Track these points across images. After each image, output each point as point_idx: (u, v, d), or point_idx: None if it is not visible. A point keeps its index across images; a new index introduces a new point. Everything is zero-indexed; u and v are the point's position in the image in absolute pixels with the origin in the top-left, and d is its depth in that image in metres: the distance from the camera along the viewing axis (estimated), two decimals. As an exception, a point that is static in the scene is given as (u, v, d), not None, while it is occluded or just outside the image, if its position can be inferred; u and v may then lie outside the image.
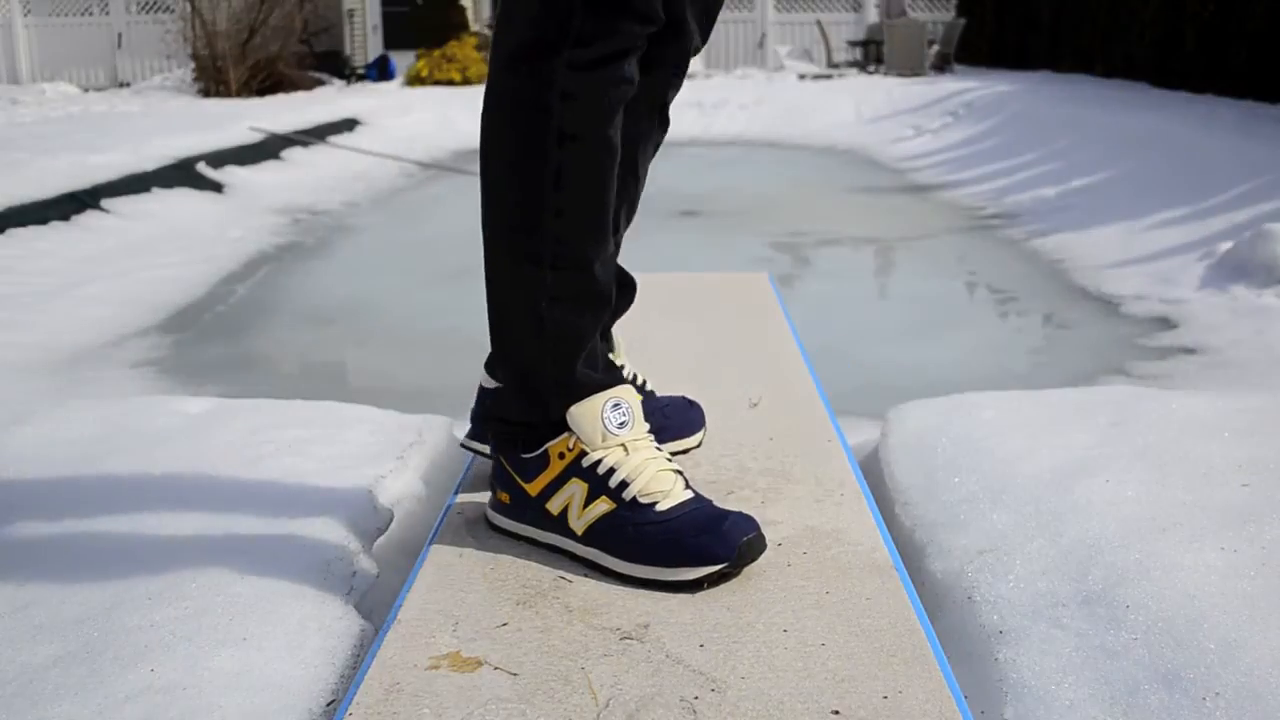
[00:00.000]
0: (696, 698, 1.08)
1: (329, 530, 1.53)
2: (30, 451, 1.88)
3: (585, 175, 1.29)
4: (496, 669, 1.13)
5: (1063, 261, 4.90)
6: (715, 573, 1.28)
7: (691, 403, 1.75)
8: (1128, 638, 1.23)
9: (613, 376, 1.40)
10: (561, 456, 1.37)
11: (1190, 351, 3.47)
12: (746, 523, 1.31)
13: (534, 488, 1.39)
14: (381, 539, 1.60)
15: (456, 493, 1.60)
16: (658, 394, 1.76)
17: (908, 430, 1.91)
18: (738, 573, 1.31)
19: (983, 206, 6.46)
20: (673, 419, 1.70)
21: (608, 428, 1.35)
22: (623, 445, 1.35)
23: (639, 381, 1.71)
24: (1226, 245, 4.36)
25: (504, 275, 1.35)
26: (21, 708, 1.13)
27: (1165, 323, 3.82)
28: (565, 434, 1.36)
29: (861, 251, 5.62)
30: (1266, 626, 1.23)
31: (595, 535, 1.34)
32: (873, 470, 1.85)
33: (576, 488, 1.35)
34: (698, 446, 1.72)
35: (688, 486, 1.36)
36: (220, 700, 1.14)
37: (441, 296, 4.59)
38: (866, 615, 1.22)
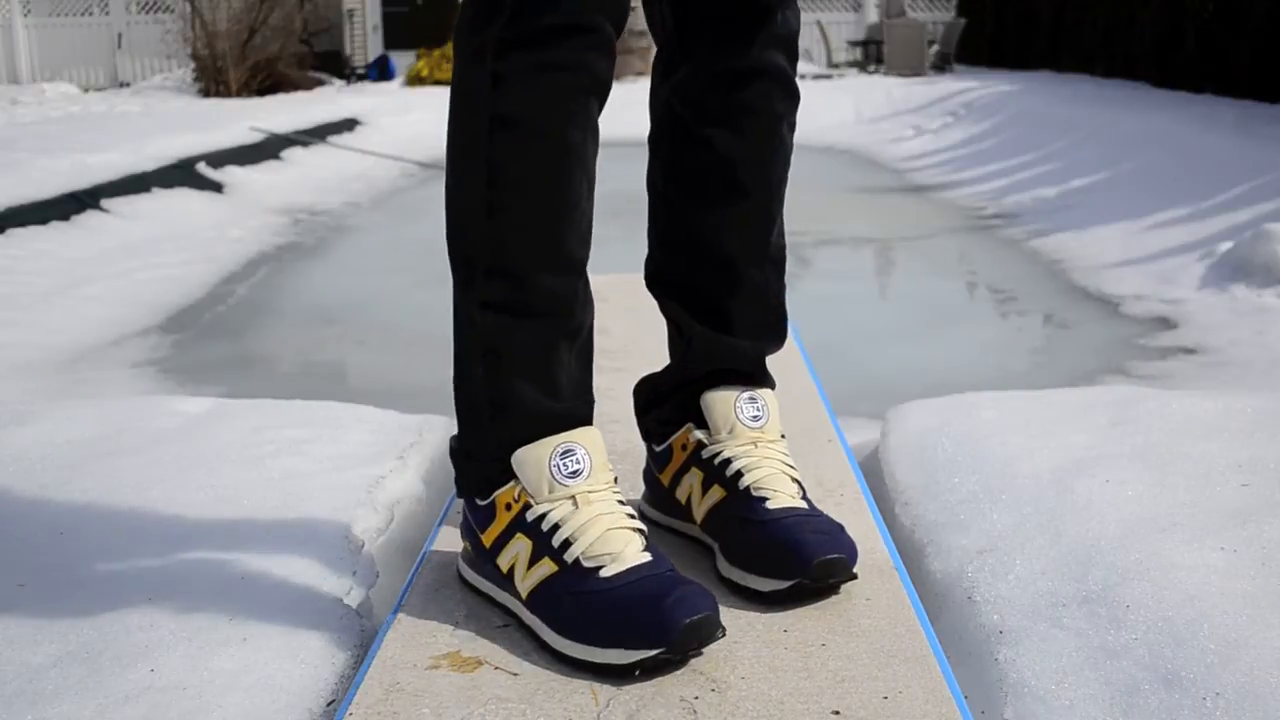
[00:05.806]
0: (696, 698, 1.08)
1: (329, 530, 1.53)
2: (30, 451, 1.88)
3: (520, 170, 1.16)
4: (496, 669, 1.13)
5: (1062, 261, 4.90)
6: (649, 659, 1.08)
7: (803, 539, 1.23)
8: (1128, 638, 1.23)
9: (575, 411, 1.21)
10: (509, 507, 1.20)
11: (1190, 351, 3.48)
12: (698, 599, 1.09)
13: (486, 539, 1.23)
14: (381, 539, 1.60)
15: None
16: (806, 506, 1.30)
17: (908, 430, 1.91)
18: (682, 661, 1.11)
19: (983, 206, 6.46)
20: (754, 548, 1.26)
21: (555, 477, 1.17)
22: (572, 498, 1.17)
23: (766, 500, 1.28)
24: (1226, 245, 4.36)
25: (453, 275, 1.23)
26: (21, 708, 1.13)
27: (1165, 323, 3.82)
28: (512, 482, 1.19)
29: (861, 251, 5.62)
30: (1266, 626, 1.23)
31: (538, 601, 1.17)
32: (873, 470, 1.85)
33: (521, 545, 1.18)
34: (782, 591, 1.23)
35: (647, 549, 1.16)
36: (220, 700, 1.14)
37: (441, 296, 4.53)
38: (866, 615, 1.22)
